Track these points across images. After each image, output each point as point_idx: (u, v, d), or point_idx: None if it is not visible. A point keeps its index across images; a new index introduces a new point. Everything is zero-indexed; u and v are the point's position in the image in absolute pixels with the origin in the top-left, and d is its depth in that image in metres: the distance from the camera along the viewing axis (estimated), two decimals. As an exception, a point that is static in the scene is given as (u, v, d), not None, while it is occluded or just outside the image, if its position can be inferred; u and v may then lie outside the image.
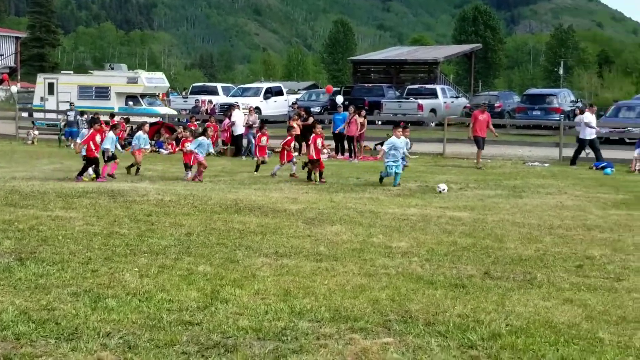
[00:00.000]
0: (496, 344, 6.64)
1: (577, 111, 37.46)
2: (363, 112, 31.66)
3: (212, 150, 21.81)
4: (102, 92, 43.23)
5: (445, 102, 47.76)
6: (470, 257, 10.58)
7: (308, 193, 17.67)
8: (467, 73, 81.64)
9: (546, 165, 27.70)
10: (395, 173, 19.29)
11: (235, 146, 30.89)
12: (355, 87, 52.44)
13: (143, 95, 43.46)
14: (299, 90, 69.50)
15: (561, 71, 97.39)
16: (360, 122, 30.34)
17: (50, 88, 44.98)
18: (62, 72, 55.20)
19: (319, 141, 20.50)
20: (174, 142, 32.03)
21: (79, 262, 9.58)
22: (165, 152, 31.75)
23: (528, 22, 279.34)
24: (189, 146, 20.97)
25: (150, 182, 19.63)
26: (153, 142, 32.53)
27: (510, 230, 12.96)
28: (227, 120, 31.45)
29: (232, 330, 6.91)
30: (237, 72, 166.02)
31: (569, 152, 29.36)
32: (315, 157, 20.10)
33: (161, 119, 37.54)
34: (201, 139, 20.86)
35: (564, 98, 45.56)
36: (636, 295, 8.59)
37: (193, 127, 29.66)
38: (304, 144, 30.88)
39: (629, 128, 35.30)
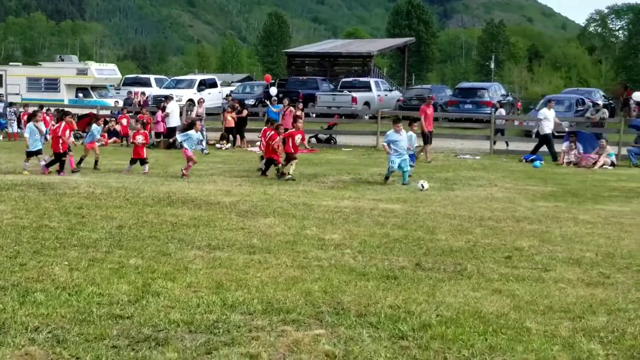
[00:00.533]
0: (426, 335, 6.71)
1: (498, 105, 38.15)
2: (300, 105, 31.59)
3: (203, 145, 20.83)
4: (52, 84, 42.20)
5: (379, 95, 47.92)
6: (402, 249, 10.67)
7: (242, 185, 17.61)
8: (400, 66, 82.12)
9: (477, 158, 28.02)
10: (403, 171, 18.84)
11: (169, 138, 30.52)
12: (289, 80, 52.31)
13: (94, 87, 42.37)
14: (232, 82, 69.05)
15: (492, 65, 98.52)
16: (297, 115, 30.23)
17: None
18: (10, 63, 53.87)
19: (298, 137, 19.93)
20: (106, 134, 31.62)
21: (7, 256, 9.42)
22: (97, 144, 31.26)
23: (460, 16, 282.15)
24: (180, 138, 20.40)
25: (82, 174, 19.38)
26: (84, 134, 32.08)
27: (441, 222, 13.10)
28: (160, 112, 31.09)
29: (164, 323, 6.86)
30: (171, 64, 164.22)
31: (499, 144, 29.84)
32: (293, 152, 19.58)
33: (92, 111, 36.94)
34: (191, 132, 19.97)
35: (494, 92, 46.09)
36: (563, 285, 8.76)
37: (145, 120, 29.33)
38: (238, 136, 30.83)
39: (558, 122, 35.87)
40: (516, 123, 39.13)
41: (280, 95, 37.84)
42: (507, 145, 31.43)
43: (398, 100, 47.99)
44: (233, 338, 6.52)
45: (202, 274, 8.76)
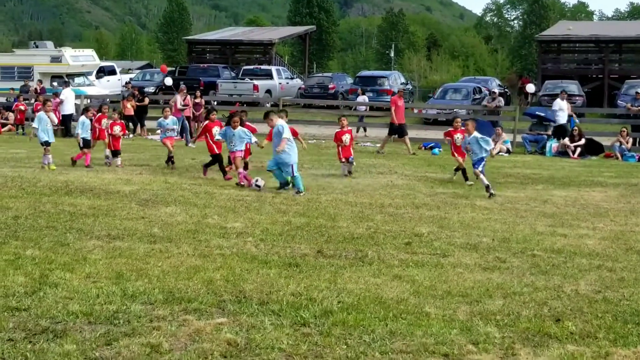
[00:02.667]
0: (328, 321, 6.76)
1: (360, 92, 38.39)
2: (198, 93, 31.20)
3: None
4: (25, 73, 40.44)
5: (280, 83, 47.98)
6: (304, 236, 10.71)
7: (142, 174, 17.38)
8: (301, 54, 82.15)
9: (377, 145, 28.29)
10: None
11: (64, 126, 29.73)
12: (190, 67, 51.92)
13: (70, 75, 40.27)
14: (130, 70, 68.01)
15: (392, 54, 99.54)
16: (196, 102, 29.89)
17: None
18: None
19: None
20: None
21: None
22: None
23: (361, 5, 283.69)
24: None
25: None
26: None
27: (343, 209, 13.20)
28: (55, 99, 30.19)
29: (62, 315, 6.73)
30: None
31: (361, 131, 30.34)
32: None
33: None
34: (227, 128, 17.31)
35: (394, 80, 46.71)
36: (460, 270, 8.94)
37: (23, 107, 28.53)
38: (138, 125, 30.38)
39: (455, 110, 36.56)
40: (415, 111, 39.61)
41: (181, 83, 37.36)
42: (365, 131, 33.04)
43: (300, 88, 48.13)
44: (134, 328, 6.44)
45: (102, 264, 8.62)
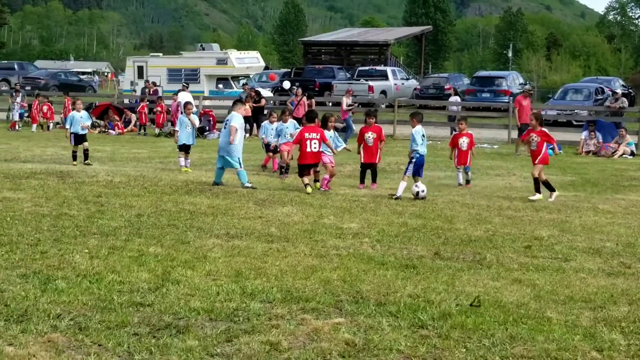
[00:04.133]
0: (446, 324, 6.71)
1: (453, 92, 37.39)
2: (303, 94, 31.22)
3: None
4: (192, 75, 41.11)
5: (395, 84, 47.86)
6: (421, 238, 10.67)
7: (259, 174, 17.67)
8: (417, 55, 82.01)
9: (495, 147, 27.97)
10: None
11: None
12: (306, 69, 52.33)
13: (235, 77, 41.13)
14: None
15: (510, 54, 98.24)
16: (308, 104, 30.10)
17: (140, 72, 42.79)
18: (151, 54, 52.89)
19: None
20: (119, 123, 31.83)
21: (28, 244, 9.47)
22: (113, 133, 31.39)
23: (478, 5, 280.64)
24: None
25: (100, 163, 19.45)
26: (102, 123, 32.17)
27: (459, 211, 13.11)
28: (174, 102, 30.83)
29: (184, 311, 6.89)
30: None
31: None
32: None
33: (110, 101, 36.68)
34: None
35: (512, 81, 46.00)
36: (583, 275, 8.75)
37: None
38: (255, 125, 30.78)
39: (576, 111, 35.79)
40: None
41: (297, 84, 37.69)
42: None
43: (415, 89, 47.95)
44: (253, 326, 6.54)
45: (221, 262, 8.79)
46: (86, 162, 18.49)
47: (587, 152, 26.66)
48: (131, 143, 26.31)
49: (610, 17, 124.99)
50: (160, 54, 53.06)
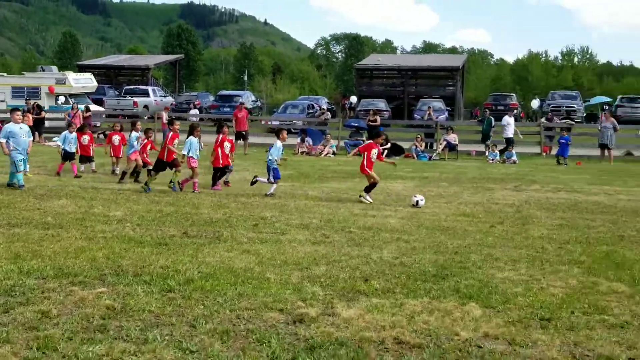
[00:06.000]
0: (189, 287, 6.66)
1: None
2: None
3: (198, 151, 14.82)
4: (34, 92, 36.60)
5: (155, 100, 47.01)
6: (173, 222, 10.50)
7: (39, 174, 16.59)
8: (173, 77, 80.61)
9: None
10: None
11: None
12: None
13: (72, 95, 36.98)
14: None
15: (246, 78, 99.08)
16: (84, 117, 28.81)
17: None
18: None
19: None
20: None
21: None
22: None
23: (220, 39, 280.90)
24: (183, 151, 14.51)
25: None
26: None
27: (204, 199, 13.04)
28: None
29: (-34, 290, 6.32)
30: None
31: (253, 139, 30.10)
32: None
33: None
34: (191, 138, 14.66)
35: (247, 98, 46.64)
36: (295, 244, 9.00)
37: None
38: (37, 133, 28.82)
39: (294, 121, 36.89)
40: (263, 122, 39.63)
41: (73, 101, 35.82)
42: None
43: (171, 104, 47.33)
44: (28, 299, 6.12)
45: (2, 248, 8.14)
46: None
47: (302, 153, 27.54)
48: None
49: (319, 51, 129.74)
50: (5, 74, 48.20)
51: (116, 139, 17.94)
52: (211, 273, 7.24)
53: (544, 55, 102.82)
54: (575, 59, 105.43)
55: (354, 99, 50.69)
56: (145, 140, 16.58)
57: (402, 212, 12.18)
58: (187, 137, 14.74)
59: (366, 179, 13.89)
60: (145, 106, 44.89)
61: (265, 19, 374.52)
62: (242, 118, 27.41)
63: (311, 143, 28.32)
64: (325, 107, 43.28)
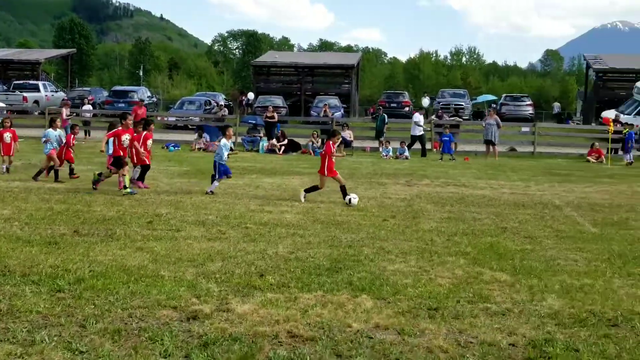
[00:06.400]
0: (80, 287, 6.44)
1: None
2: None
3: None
4: None
5: (46, 95, 45.14)
6: (63, 220, 10.14)
7: None
8: (65, 72, 77.74)
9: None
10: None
11: None
12: (-35, 82, 47.40)
13: None
14: None
15: (141, 73, 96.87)
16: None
17: None
18: None
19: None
20: None
21: None
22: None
23: (115, 34, 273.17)
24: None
25: None
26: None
27: (98, 197, 12.67)
28: None
29: None
30: None
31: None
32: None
33: None
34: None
35: (142, 93, 45.60)
36: (190, 241, 8.88)
37: None
38: None
39: (191, 117, 36.39)
40: (159, 118, 38.86)
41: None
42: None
43: (63, 100, 45.61)
44: None
45: None
46: None
47: (199, 149, 27.21)
48: None
49: (216, 47, 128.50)
50: None
51: (7, 136, 16.92)
52: (103, 272, 7.03)
53: (434, 55, 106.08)
54: (464, 59, 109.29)
55: (251, 95, 50.61)
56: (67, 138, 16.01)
57: (298, 207, 12.25)
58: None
59: (321, 181, 13.49)
60: (36, 101, 43.04)
61: (162, 14, 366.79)
62: (142, 115, 26.79)
63: (208, 139, 28.03)
64: (222, 104, 42.98)
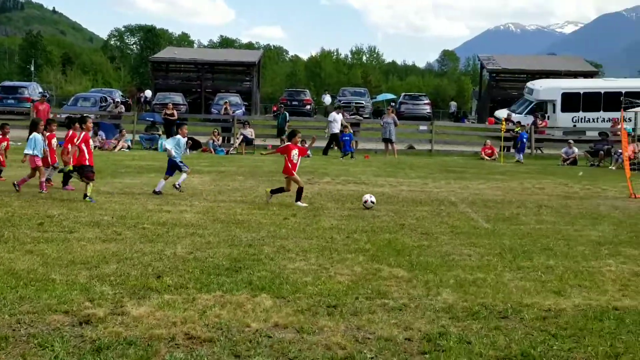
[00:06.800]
0: (-37, 293, 6.13)
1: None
2: None
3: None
4: None
5: None
6: (-54, 222, 9.61)
7: None
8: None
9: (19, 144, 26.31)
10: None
11: None
12: None
13: None
14: None
15: (32, 68, 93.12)
16: None
17: None
18: None
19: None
20: None
21: None
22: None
23: (4, 27, 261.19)
24: (26, 149, 13.66)
25: None
26: None
27: (-17, 198, 12.09)
28: None
29: None
30: None
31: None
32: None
33: None
34: (35, 135, 13.84)
35: (33, 90, 43.94)
36: (84, 243, 8.62)
37: None
38: None
39: (85, 114, 35.31)
40: (51, 115, 37.48)
41: None
42: None
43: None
44: None
45: None
46: None
47: (95, 147, 26.36)
48: None
49: (112, 42, 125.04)
50: None
51: None
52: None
53: (335, 53, 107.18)
54: (364, 58, 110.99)
55: (148, 92, 49.60)
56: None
57: (198, 206, 12.11)
58: (30, 134, 14.00)
59: (287, 183, 13.21)
60: None
61: (54, 7, 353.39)
62: (43, 111, 25.76)
63: (104, 137, 27.30)
64: (119, 100, 41.91)
